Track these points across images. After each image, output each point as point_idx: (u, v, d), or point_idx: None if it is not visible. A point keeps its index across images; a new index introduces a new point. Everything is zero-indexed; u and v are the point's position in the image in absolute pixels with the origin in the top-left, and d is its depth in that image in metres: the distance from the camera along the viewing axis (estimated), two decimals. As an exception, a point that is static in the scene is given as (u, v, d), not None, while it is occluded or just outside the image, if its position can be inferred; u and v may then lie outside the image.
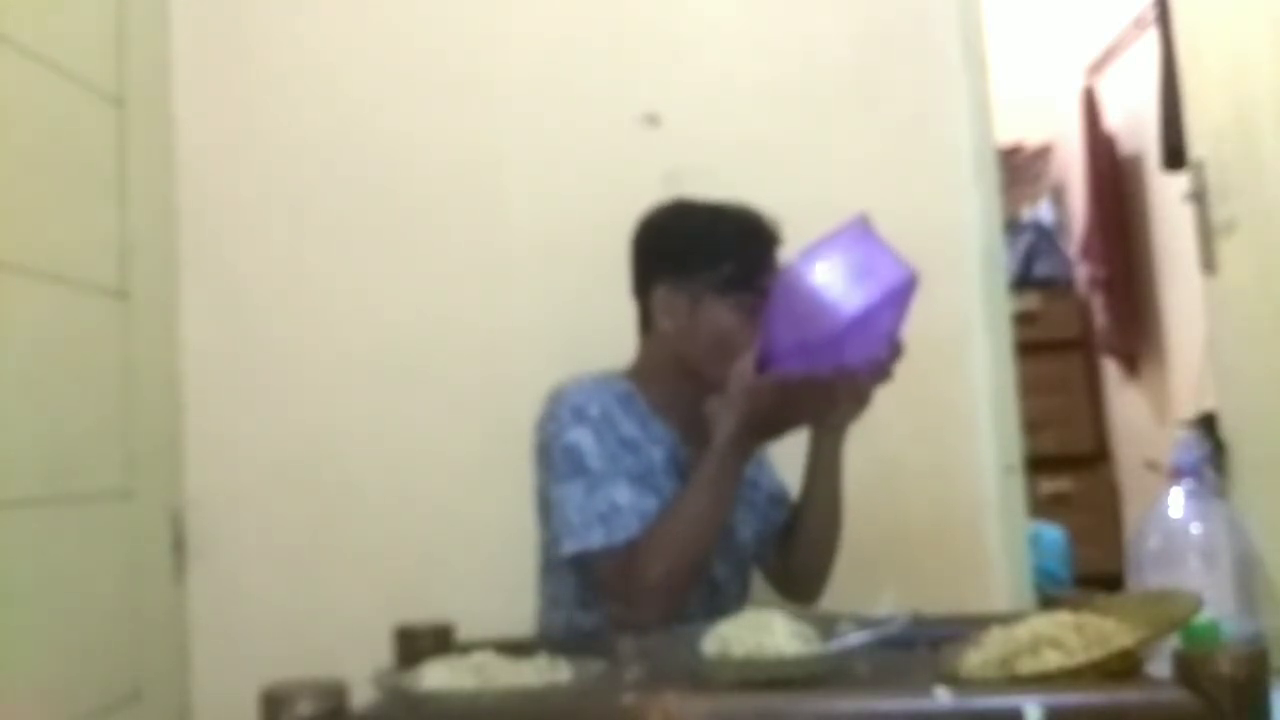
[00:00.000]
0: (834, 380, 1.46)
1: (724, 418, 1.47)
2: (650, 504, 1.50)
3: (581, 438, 1.51)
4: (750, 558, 1.68)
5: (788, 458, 1.69)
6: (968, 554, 1.97)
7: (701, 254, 1.58)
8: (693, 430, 1.59)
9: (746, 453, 1.50)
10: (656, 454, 1.57)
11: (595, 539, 1.47)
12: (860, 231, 1.39)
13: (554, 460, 1.53)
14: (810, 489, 1.63)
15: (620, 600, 1.47)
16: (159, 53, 2.04)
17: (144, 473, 1.90)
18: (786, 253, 1.59)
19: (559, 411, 1.55)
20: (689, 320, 1.58)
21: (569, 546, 1.49)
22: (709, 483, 1.47)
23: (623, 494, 1.49)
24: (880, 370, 1.45)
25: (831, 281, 1.36)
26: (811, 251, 1.38)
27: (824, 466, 1.61)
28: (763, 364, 1.43)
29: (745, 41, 2.06)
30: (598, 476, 1.49)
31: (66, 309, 1.73)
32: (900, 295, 1.39)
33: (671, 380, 1.61)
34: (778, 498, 1.72)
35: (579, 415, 1.53)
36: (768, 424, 1.49)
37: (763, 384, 1.43)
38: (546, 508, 1.56)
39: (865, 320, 1.36)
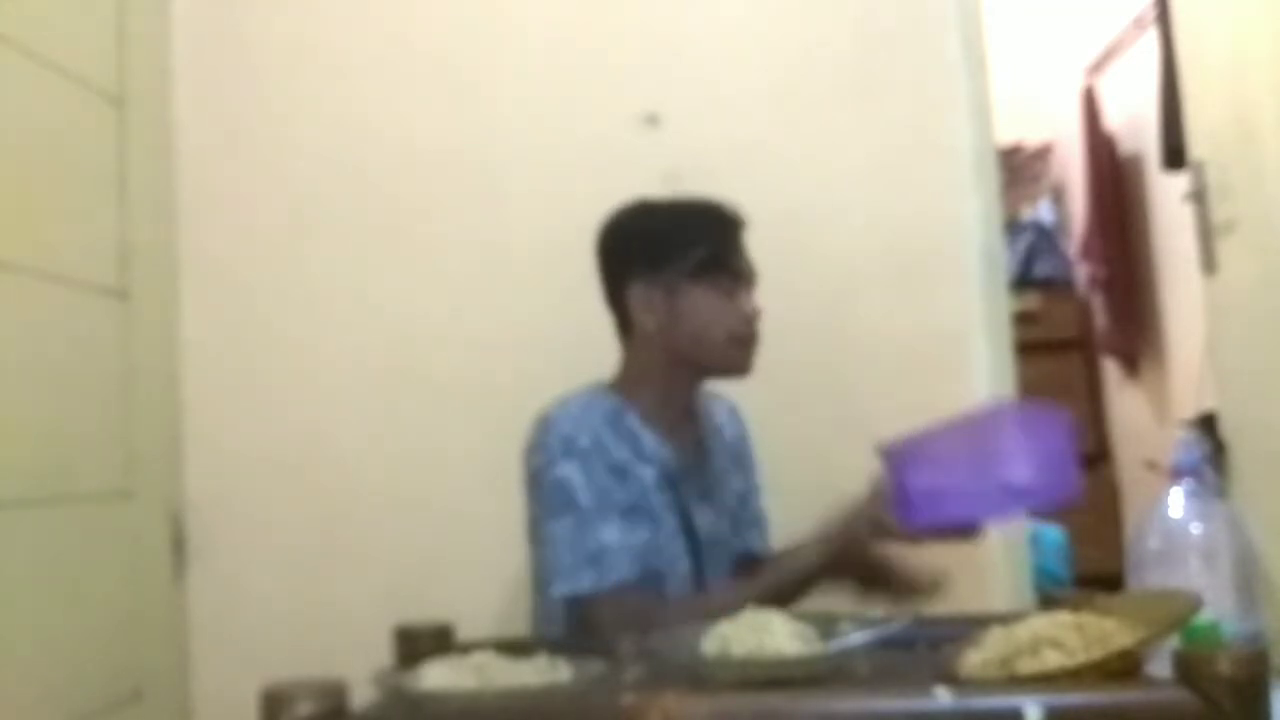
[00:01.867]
0: (930, 537, 1.42)
1: (828, 540, 1.45)
2: (640, 537, 1.48)
3: (571, 473, 1.49)
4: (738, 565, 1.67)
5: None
6: (968, 554, 1.97)
7: (670, 244, 1.58)
8: (684, 435, 1.59)
9: (814, 582, 1.47)
10: (647, 473, 1.54)
11: (585, 582, 1.45)
12: (1068, 429, 1.38)
13: (543, 494, 1.51)
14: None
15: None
16: (159, 53, 2.04)
17: (144, 473, 1.90)
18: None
19: (548, 441, 1.52)
20: (669, 312, 1.57)
21: (559, 588, 1.47)
22: (765, 589, 1.41)
23: (612, 533, 1.46)
24: (963, 537, 1.43)
25: (1027, 445, 1.37)
26: (1020, 408, 1.39)
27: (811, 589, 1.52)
28: (899, 493, 1.39)
29: (745, 41, 2.06)
30: (587, 513, 1.47)
31: (66, 309, 1.73)
32: (1050, 503, 1.41)
33: (659, 382, 1.60)
34: (753, 522, 1.72)
35: (568, 448, 1.50)
36: (852, 563, 1.47)
37: (893, 527, 1.39)
38: (537, 537, 1.55)
39: (1020, 497, 1.38)
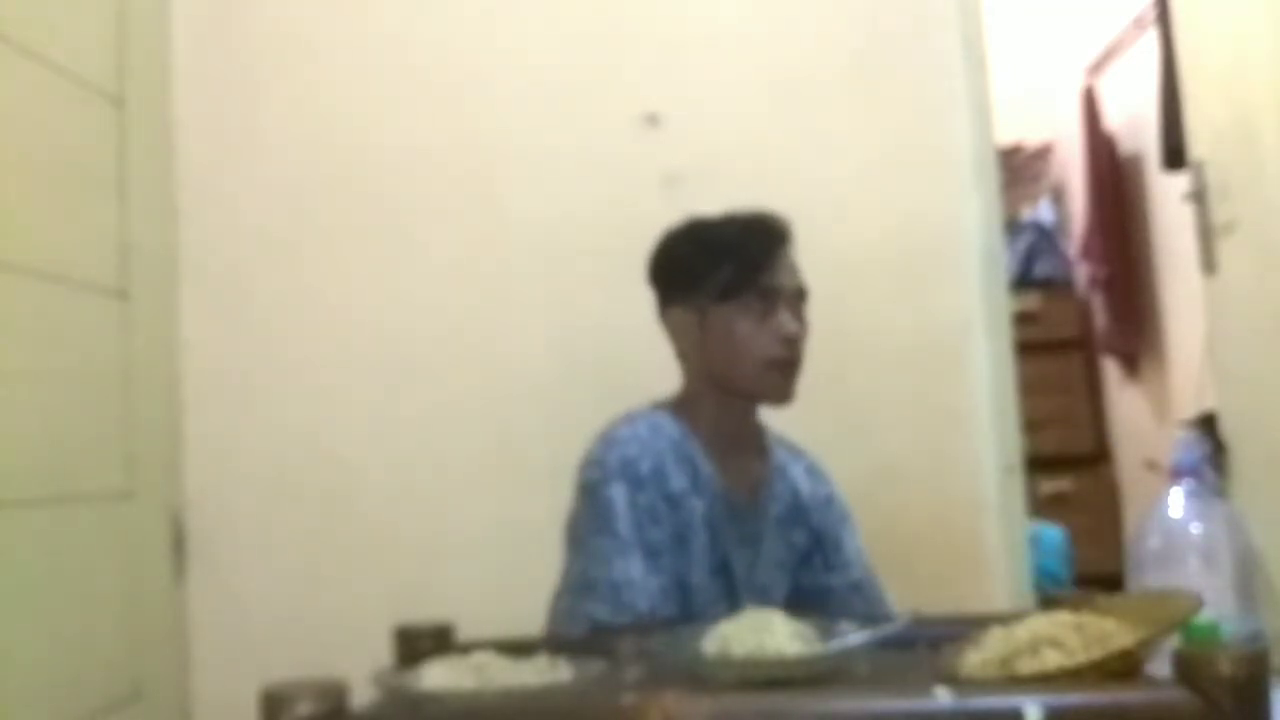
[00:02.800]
0: None
1: None
2: (659, 581, 1.45)
3: (618, 495, 1.47)
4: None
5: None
6: (968, 554, 1.97)
7: (698, 267, 1.56)
8: (738, 470, 1.56)
9: None
10: (697, 507, 1.51)
11: (602, 610, 1.44)
12: None
13: (591, 508, 1.50)
14: None
15: None
16: (159, 53, 2.04)
17: (144, 473, 1.90)
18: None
19: (607, 459, 1.50)
20: (701, 335, 1.55)
21: (579, 603, 1.47)
22: None
23: (636, 568, 1.45)
24: None
25: None
26: None
27: None
28: None
29: (745, 41, 2.06)
30: (620, 542, 1.45)
31: (66, 309, 1.73)
32: None
33: (711, 405, 1.57)
34: (859, 585, 1.65)
35: (624, 470, 1.48)
36: None
37: None
38: (576, 543, 1.53)
39: None
